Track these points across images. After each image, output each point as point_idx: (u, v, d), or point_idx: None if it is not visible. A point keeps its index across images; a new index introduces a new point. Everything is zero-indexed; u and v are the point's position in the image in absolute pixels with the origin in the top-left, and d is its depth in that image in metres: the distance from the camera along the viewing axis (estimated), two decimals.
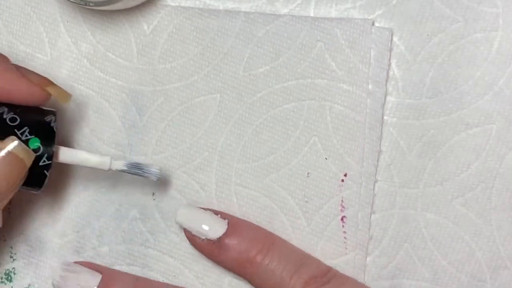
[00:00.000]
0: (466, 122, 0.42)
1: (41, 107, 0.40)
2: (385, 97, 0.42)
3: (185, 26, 0.43)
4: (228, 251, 0.41)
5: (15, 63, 0.44)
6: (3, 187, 0.36)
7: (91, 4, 0.40)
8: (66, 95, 0.40)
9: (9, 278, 0.45)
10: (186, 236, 0.42)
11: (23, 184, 0.38)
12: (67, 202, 0.44)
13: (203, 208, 0.42)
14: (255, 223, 0.43)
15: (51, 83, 0.39)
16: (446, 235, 0.42)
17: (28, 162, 0.37)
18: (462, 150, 0.42)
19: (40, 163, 0.38)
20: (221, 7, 0.43)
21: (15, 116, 0.38)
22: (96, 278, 0.42)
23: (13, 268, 0.45)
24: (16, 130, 0.37)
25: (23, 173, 0.37)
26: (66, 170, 0.44)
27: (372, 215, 0.42)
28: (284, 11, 0.43)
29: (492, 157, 0.42)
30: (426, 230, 0.42)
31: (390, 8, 0.42)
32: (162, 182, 0.43)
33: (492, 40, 0.41)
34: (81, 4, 0.40)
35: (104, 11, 0.43)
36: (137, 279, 0.43)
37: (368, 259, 0.43)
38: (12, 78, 0.38)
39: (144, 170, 0.40)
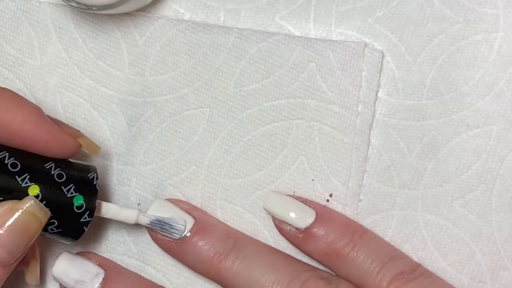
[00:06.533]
0: (467, 123, 0.42)
1: (82, 162, 0.40)
2: (372, 118, 0.42)
3: (177, 39, 0.43)
4: (315, 241, 0.40)
5: (5, 67, 0.44)
6: (18, 245, 0.37)
7: (94, 8, 0.40)
8: (96, 147, 0.40)
9: None
10: (273, 223, 0.42)
11: (60, 235, 0.39)
12: None
13: (292, 196, 0.42)
14: None
15: (82, 134, 0.40)
16: (446, 236, 0.42)
17: (44, 220, 0.37)
18: (462, 151, 0.42)
19: (82, 220, 0.39)
20: (221, 8, 0.43)
21: (62, 172, 0.38)
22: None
23: None
24: (63, 187, 0.38)
25: (39, 230, 0.37)
26: None
27: (372, 216, 0.42)
28: (284, 12, 0.43)
29: (493, 158, 0.42)
30: (426, 231, 0.42)
31: (391, 9, 0.42)
32: (148, 193, 0.44)
33: (492, 41, 0.41)
34: (84, 9, 0.40)
35: (96, 19, 0.43)
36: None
37: None
38: (49, 128, 0.38)
39: (170, 226, 0.41)
